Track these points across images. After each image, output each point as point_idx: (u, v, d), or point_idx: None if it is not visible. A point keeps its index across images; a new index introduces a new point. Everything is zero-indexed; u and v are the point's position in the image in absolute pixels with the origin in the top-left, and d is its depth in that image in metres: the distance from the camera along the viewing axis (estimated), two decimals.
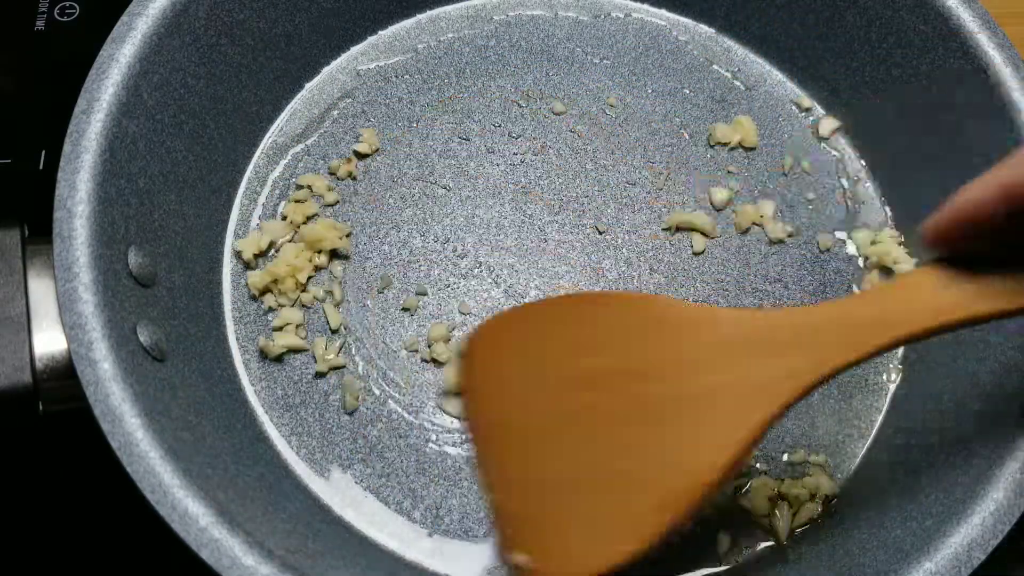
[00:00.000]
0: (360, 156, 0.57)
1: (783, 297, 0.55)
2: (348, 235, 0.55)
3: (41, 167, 0.61)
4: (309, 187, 0.56)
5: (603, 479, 0.40)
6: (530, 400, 0.43)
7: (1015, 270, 0.35)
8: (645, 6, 0.64)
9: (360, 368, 0.52)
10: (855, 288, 0.56)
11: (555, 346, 0.43)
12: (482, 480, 0.45)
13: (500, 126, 0.59)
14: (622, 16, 0.64)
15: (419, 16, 0.63)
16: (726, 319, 0.40)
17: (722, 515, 0.50)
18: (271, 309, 0.53)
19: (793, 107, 0.62)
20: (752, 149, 0.60)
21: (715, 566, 0.49)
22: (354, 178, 0.57)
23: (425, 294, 0.53)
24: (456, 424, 0.51)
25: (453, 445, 0.50)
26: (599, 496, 0.40)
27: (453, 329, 0.53)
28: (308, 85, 0.60)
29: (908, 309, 0.37)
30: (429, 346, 0.52)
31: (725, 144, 0.59)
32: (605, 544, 0.40)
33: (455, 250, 0.55)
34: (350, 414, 0.51)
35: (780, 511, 0.49)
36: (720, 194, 0.57)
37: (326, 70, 0.60)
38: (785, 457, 0.51)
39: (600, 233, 0.56)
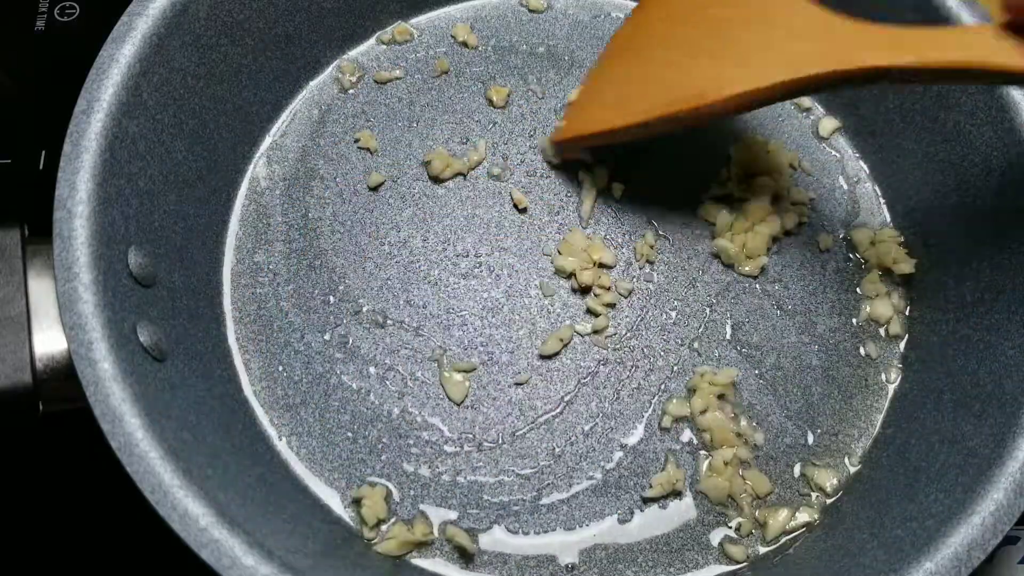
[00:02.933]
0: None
1: (783, 297, 0.55)
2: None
3: (41, 167, 0.61)
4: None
5: (643, 74, 0.53)
6: (648, 32, 0.56)
7: None
8: None
9: (360, 368, 0.52)
10: (858, 291, 0.56)
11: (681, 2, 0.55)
12: (587, 76, 0.59)
13: (500, 126, 0.59)
14: (622, 16, 0.64)
15: (419, 16, 0.63)
16: (805, 5, 0.49)
17: (722, 515, 0.50)
18: None
19: (793, 107, 0.62)
20: None
21: (715, 566, 0.49)
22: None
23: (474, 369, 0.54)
24: (457, 425, 0.51)
25: (453, 445, 0.50)
26: (630, 86, 0.54)
27: (452, 328, 0.53)
28: (308, 85, 0.60)
29: (967, 43, 0.44)
30: (430, 347, 0.52)
31: None
32: (607, 113, 0.54)
33: (455, 250, 0.55)
34: (340, 411, 0.51)
35: (777, 513, 0.49)
36: (723, 219, 0.57)
37: (326, 70, 0.60)
38: (788, 458, 0.51)
39: (600, 232, 0.56)
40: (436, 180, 0.57)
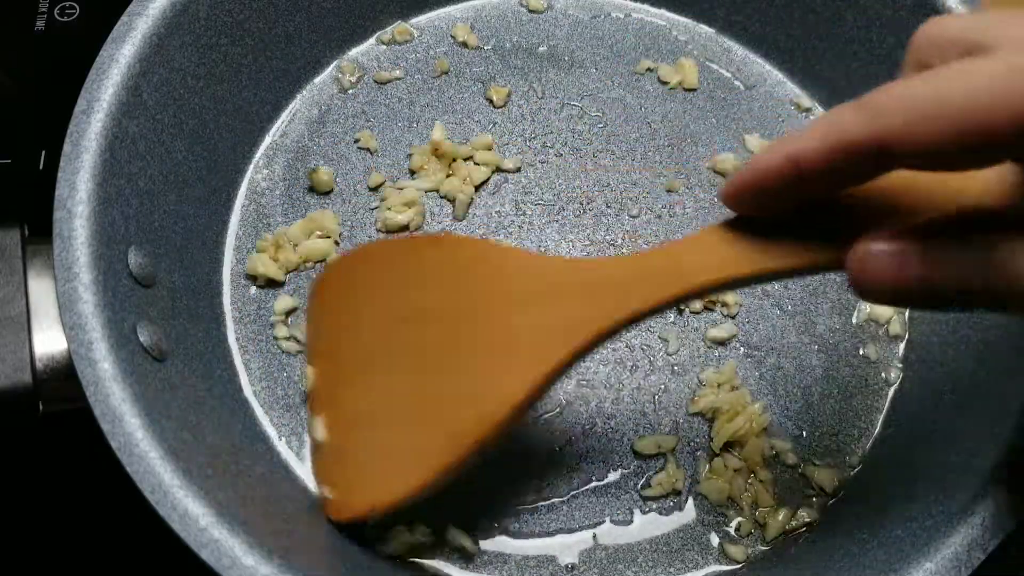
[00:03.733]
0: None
1: (783, 297, 0.55)
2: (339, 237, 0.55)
3: (41, 167, 0.61)
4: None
5: (407, 412, 0.43)
6: (358, 334, 0.46)
7: (801, 232, 0.37)
8: (645, 6, 0.64)
9: None
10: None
11: (386, 282, 0.45)
12: (309, 408, 0.48)
13: (499, 126, 0.59)
14: (622, 16, 0.64)
15: (419, 16, 0.63)
16: (538, 265, 0.42)
17: (722, 515, 0.50)
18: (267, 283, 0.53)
19: (793, 107, 0.62)
20: (692, 90, 0.61)
21: (715, 566, 0.49)
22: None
23: None
24: None
25: None
26: (401, 428, 0.43)
27: None
28: (308, 85, 0.60)
29: (698, 262, 0.38)
30: None
31: (666, 83, 0.61)
32: (396, 476, 0.42)
33: None
34: None
35: (777, 513, 0.49)
36: None
37: (326, 70, 0.60)
38: (789, 460, 0.51)
39: (600, 233, 0.56)
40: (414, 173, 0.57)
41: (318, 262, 0.54)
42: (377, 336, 0.45)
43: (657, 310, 0.39)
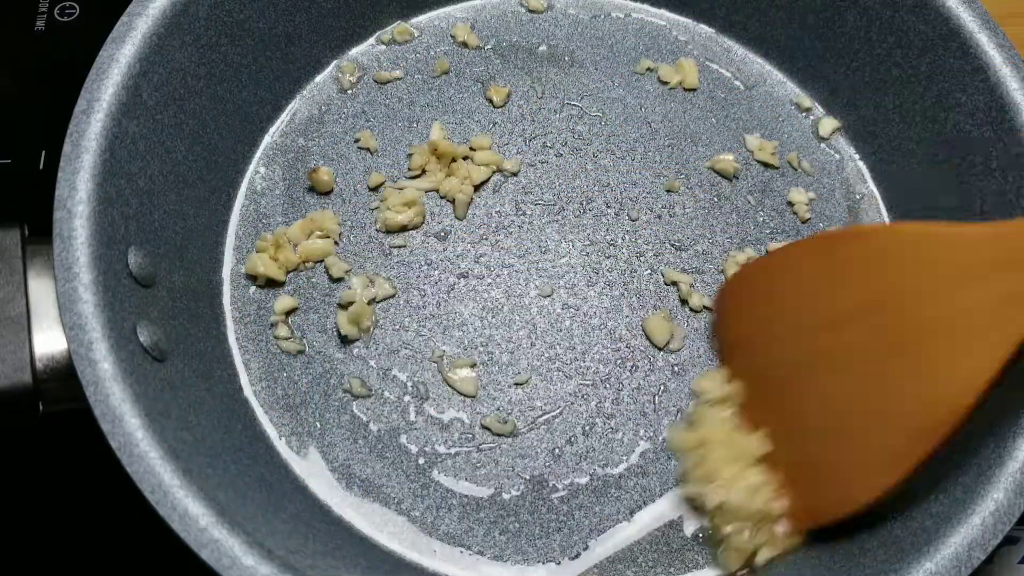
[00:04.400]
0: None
1: None
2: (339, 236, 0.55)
3: (41, 167, 0.61)
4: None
5: (858, 417, 0.41)
6: (784, 346, 0.44)
7: None
8: (645, 6, 0.64)
9: (359, 368, 0.52)
10: None
11: (804, 289, 0.44)
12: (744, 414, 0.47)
13: (499, 126, 0.59)
14: (622, 16, 0.64)
15: (419, 16, 0.63)
16: (967, 235, 0.39)
17: (720, 515, 0.50)
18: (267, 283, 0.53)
19: (793, 107, 0.62)
20: (692, 90, 0.61)
21: (715, 566, 0.49)
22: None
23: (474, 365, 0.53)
24: (457, 424, 0.51)
25: (452, 445, 0.50)
26: (855, 435, 0.41)
27: (452, 328, 0.53)
28: (308, 85, 0.60)
29: None
30: (430, 347, 0.52)
31: (666, 83, 0.61)
32: (863, 480, 0.41)
33: (454, 250, 0.55)
34: (341, 411, 0.51)
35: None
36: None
37: (326, 70, 0.60)
38: None
39: (600, 233, 0.56)
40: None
41: (318, 262, 0.54)
42: (808, 342, 0.43)
43: None
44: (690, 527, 0.49)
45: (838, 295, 0.42)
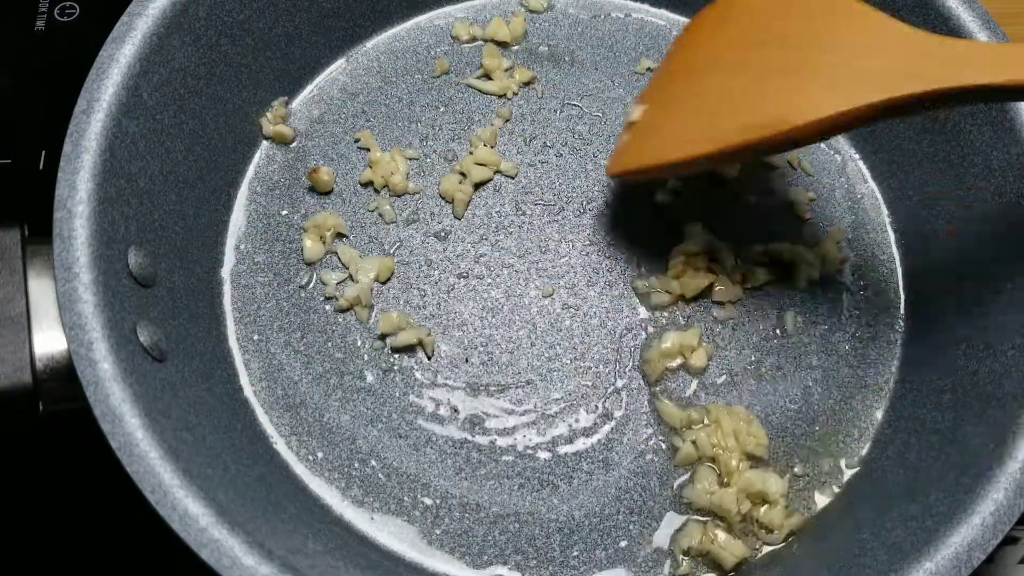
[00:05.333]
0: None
1: (784, 296, 0.55)
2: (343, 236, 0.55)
3: (41, 167, 0.61)
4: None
5: (721, 102, 0.48)
6: (707, 51, 0.52)
7: None
8: (645, 6, 0.64)
9: (359, 368, 0.52)
10: (860, 294, 0.56)
11: (744, 19, 0.51)
12: (644, 95, 0.55)
13: (499, 126, 0.59)
14: (622, 16, 0.64)
15: (419, 17, 0.63)
16: (878, 21, 0.46)
17: (719, 517, 0.50)
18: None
19: None
20: None
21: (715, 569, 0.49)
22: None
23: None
24: (455, 424, 0.51)
25: (453, 445, 0.50)
26: (709, 113, 0.49)
27: (452, 328, 0.53)
28: (308, 85, 0.60)
29: None
30: (427, 347, 0.52)
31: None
32: (682, 143, 0.49)
33: (454, 250, 0.55)
34: (340, 411, 0.51)
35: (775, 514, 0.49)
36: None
37: (326, 70, 0.60)
38: (788, 458, 0.51)
39: (600, 233, 0.56)
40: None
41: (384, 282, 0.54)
42: (714, 51, 0.51)
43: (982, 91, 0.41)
44: (691, 531, 0.49)
45: (763, 26, 0.50)
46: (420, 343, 0.52)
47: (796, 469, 0.51)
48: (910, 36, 0.44)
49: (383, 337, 0.52)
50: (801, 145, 0.46)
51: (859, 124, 0.45)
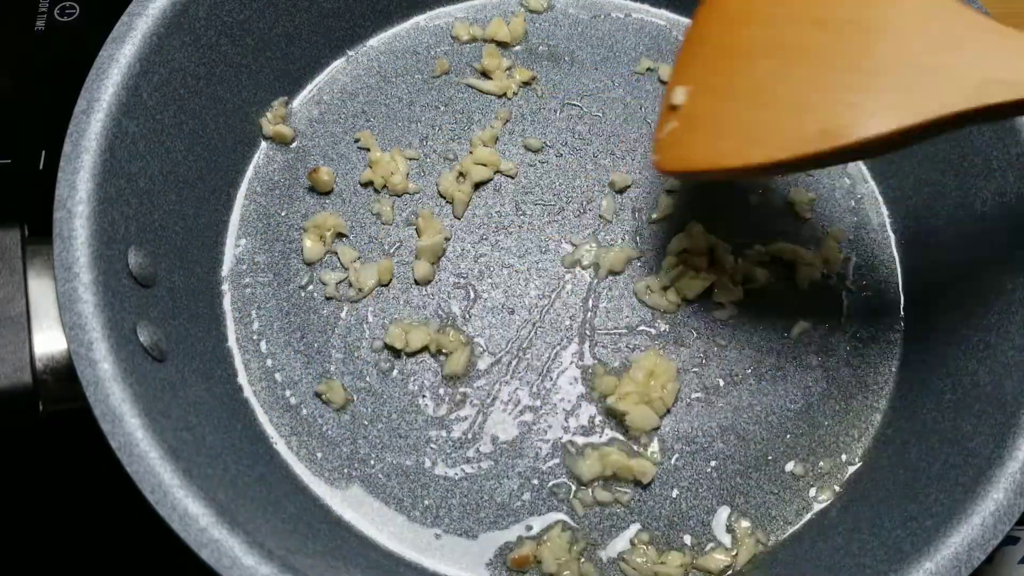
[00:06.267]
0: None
1: (784, 297, 0.55)
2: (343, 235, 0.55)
3: (41, 167, 0.61)
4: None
5: (782, 100, 0.43)
6: (755, 28, 0.46)
7: None
8: (645, 6, 0.64)
9: (360, 368, 0.52)
10: (860, 294, 0.56)
11: None
12: (675, 78, 0.49)
13: (499, 126, 0.59)
14: (622, 16, 0.64)
15: (419, 17, 0.63)
16: (966, 14, 0.40)
17: (720, 517, 0.50)
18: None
19: None
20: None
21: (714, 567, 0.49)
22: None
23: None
24: (454, 424, 0.51)
25: (453, 445, 0.50)
26: (770, 111, 0.44)
27: (452, 327, 0.53)
28: (308, 85, 0.60)
29: None
30: (429, 346, 0.52)
31: (666, 83, 0.61)
32: (753, 147, 0.44)
33: (454, 250, 0.55)
34: (340, 411, 0.51)
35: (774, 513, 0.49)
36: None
37: (326, 70, 0.60)
38: (788, 458, 0.51)
39: (600, 233, 0.56)
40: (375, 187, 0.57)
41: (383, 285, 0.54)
42: (769, 30, 0.45)
43: None
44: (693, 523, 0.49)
45: (819, 4, 0.44)
46: (426, 347, 0.52)
47: (796, 469, 0.51)
48: (993, 29, 0.39)
49: (390, 348, 0.52)
50: (873, 156, 0.42)
51: (941, 132, 0.40)
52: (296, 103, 0.59)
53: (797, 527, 0.50)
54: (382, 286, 0.54)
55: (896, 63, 0.40)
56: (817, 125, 0.41)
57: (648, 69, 0.62)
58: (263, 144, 0.58)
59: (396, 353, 0.52)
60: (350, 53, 0.61)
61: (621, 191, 0.58)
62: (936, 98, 0.39)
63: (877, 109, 0.40)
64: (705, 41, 0.49)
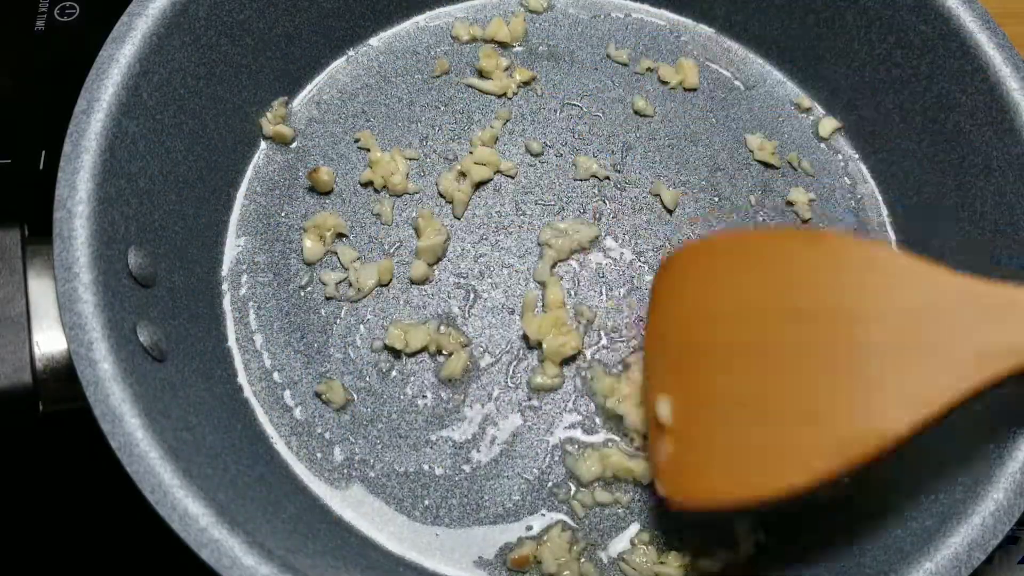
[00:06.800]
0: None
1: None
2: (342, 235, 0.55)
3: (41, 167, 0.61)
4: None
5: (784, 411, 0.39)
6: (727, 324, 0.42)
7: None
8: (645, 6, 0.64)
9: (360, 369, 0.52)
10: None
11: (753, 274, 0.42)
12: (646, 392, 0.45)
13: (499, 126, 0.59)
14: (622, 16, 0.64)
15: (419, 17, 0.63)
16: (949, 280, 0.39)
17: (718, 517, 0.50)
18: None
19: (793, 107, 0.62)
20: (692, 90, 0.61)
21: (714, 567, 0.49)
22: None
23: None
24: (454, 424, 0.51)
25: (454, 445, 0.50)
26: (776, 427, 0.39)
27: (452, 328, 0.53)
28: (308, 85, 0.60)
29: None
30: (429, 347, 0.52)
31: (666, 83, 0.61)
32: (770, 473, 0.39)
33: (454, 250, 0.55)
34: (340, 411, 0.51)
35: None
36: None
37: (326, 70, 0.60)
38: None
39: (600, 233, 0.56)
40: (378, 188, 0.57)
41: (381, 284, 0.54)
42: (743, 326, 0.41)
43: None
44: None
45: (783, 291, 0.41)
46: (425, 347, 0.52)
47: None
48: (974, 289, 0.38)
49: (390, 349, 0.52)
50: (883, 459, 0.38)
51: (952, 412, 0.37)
52: (296, 103, 0.59)
53: (797, 527, 0.49)
54: (382, 286, 0.54)
55: (888, 350, 0.38)
56: (831, 436, 0.38)
57: (648, 69, 0.62)
58: (263, 144, 0.58)
59: (396, 353, 0.52)
60: (350, 53, 0.61)
61: (621, 191, 0.58)
62: (943, 379, 0.37)
63: (888, 405, 0.37)
64: (668, 340, 0.45)
